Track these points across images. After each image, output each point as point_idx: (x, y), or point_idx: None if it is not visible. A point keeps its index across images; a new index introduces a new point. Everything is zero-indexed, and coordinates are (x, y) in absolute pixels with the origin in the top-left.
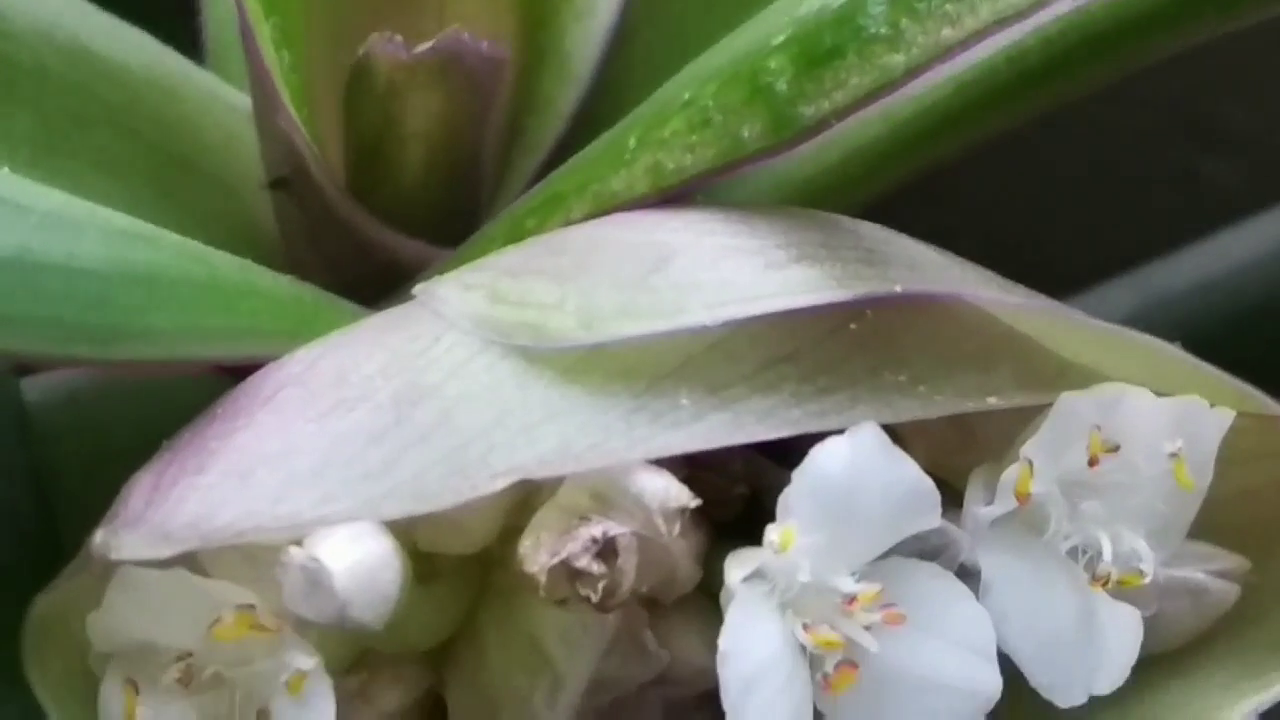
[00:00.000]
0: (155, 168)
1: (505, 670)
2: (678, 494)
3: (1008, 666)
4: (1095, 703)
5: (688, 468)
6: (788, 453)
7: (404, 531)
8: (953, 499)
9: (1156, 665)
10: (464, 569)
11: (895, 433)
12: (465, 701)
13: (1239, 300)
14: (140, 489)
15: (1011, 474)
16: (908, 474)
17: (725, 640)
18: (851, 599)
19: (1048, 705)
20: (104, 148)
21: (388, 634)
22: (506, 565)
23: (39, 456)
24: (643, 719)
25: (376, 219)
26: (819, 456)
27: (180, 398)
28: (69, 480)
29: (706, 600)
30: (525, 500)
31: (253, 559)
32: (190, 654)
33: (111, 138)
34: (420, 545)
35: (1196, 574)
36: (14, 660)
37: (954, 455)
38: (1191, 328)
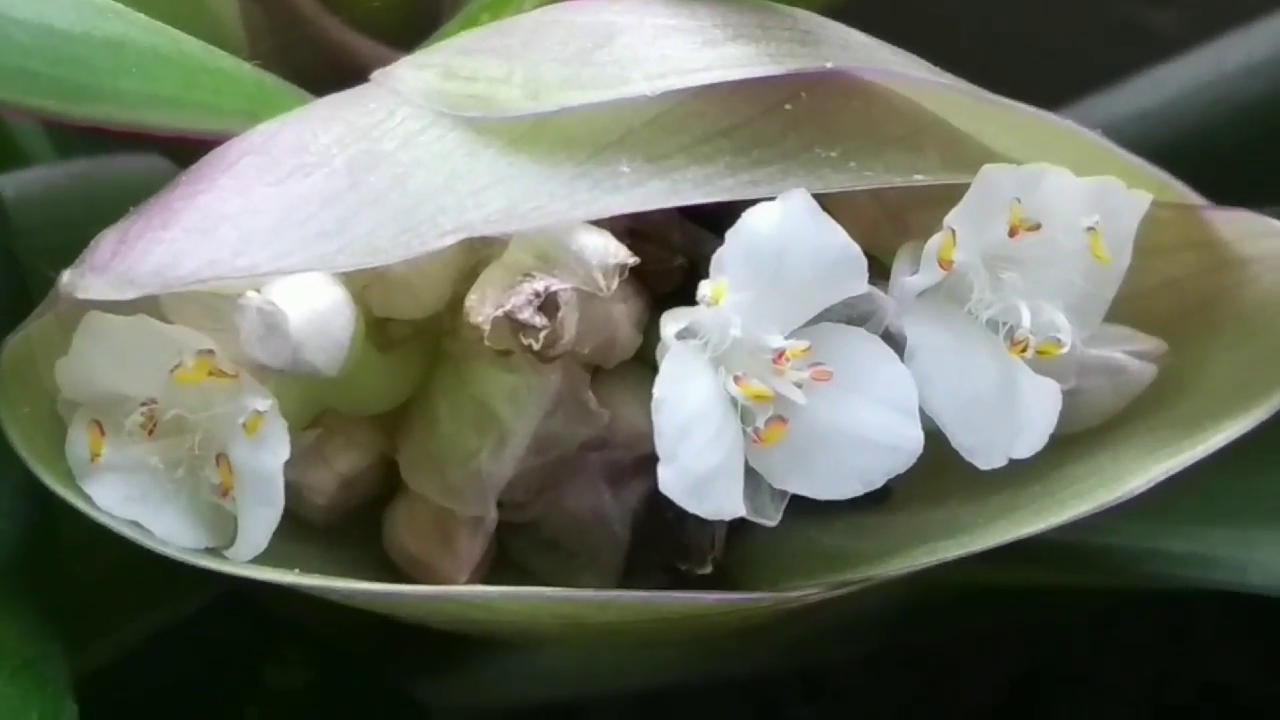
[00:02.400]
0: None
1: (454, 431)
2: (616, 251)
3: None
4: (1018, 471)
5: (629, 238)
6: (725, 228)
7: (359, 297)
8: (880, 275)
9: (1076, 441)
10: (417, 338)
11: (827, 211)
12: (416, 463)
13: (1174, 128)
14: (107, 242)
15: (935, 242)
16: (836, 239)
17: (660, 389)
18: (780, 354)
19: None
20: None
21: (344, 392)
22: (456, 334)
23: (14, 249)
24: (583, 481)
25: (340, 21)
26: (751, 217)
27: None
28: (42, 273)
29: (645, 369)
30: (473, 269)
31: (212, 311)
32: (153, 400)
33: None
34: (375, 310)
35: (1115, 354)
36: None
37: (884, 238)
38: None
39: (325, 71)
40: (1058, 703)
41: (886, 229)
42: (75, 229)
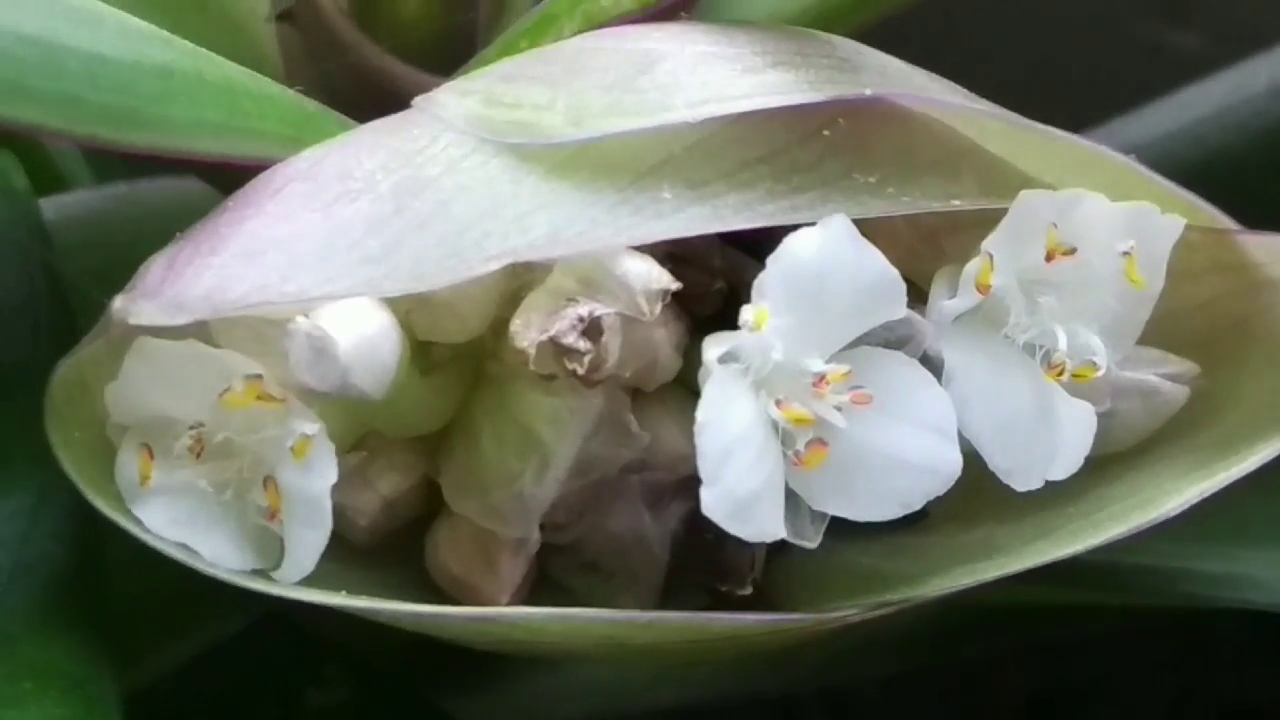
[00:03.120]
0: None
1: (497, 454)
2: (659, 276)
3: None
4: (1054, 493)
5: (670, 263)
6: (765, 253)
7: (403, 321)
8: (918, 299)
9: (1111, 463)
10: (459, 360)
11: (864, 237)
12: (458, 485)
13: (1200, 149)
14: (156, 268)
15: (973, 267)
16: (875, 263)
17: (703, 413)
18: (821, 378)
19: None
20: None
21: (387, 415)
22: (499, 357)
23: (58, 270)
24: (623, 503)
25: (379, 47)
26: (792, 243)
27: (193, 219)
28: (84, 296)
29: (685, 393)
30: (516, 293)
31: (261, 336)
32: (201, 424)
33: None
34: (418, 334)
35: (1149, 376)
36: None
37: (920, 262)
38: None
39: (362, 97)
40: (1078, 718)
41: (923, 252)
42: (115, 250)
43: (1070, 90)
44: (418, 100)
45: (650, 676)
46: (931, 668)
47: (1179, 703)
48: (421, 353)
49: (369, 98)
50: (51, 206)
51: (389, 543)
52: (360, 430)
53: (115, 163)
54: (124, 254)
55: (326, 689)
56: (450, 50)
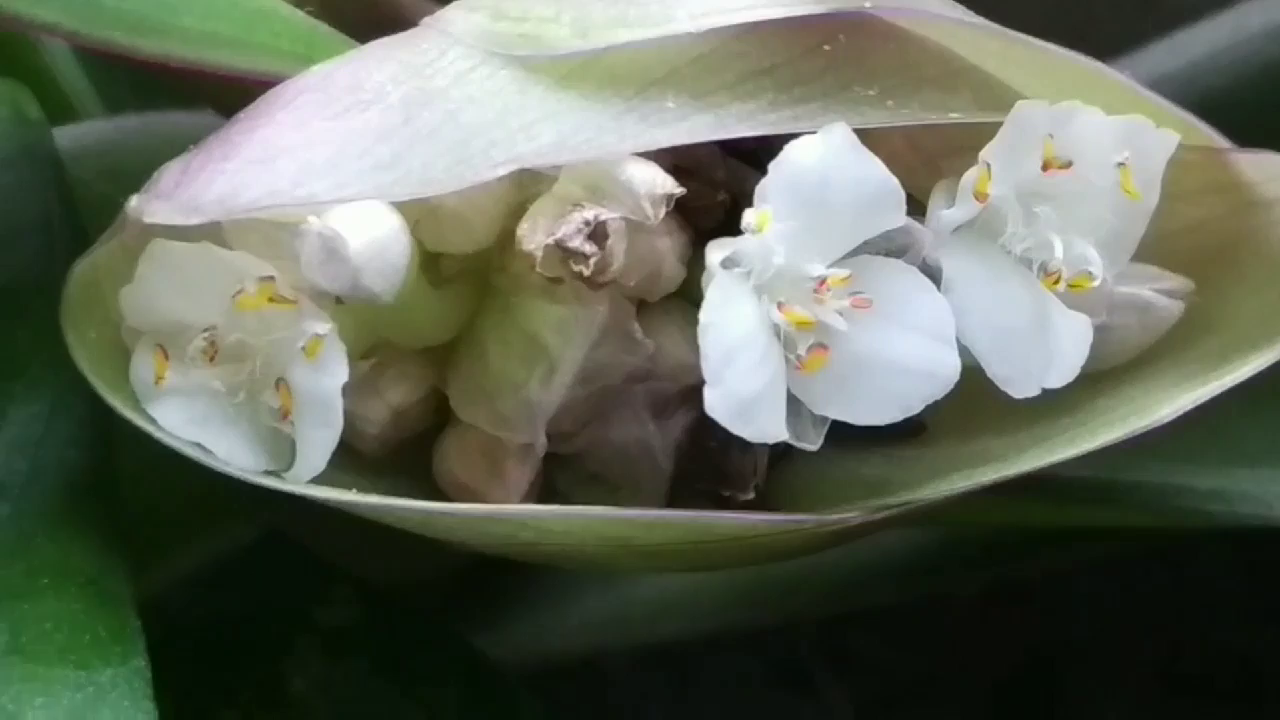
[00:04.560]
0: None
1: (504, 362)
2: (663, 182)
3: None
4: (1050, 405)
5: (674, 175)
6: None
7: (413, 232)
8: (917, 213)
9: (1106, 377)
10: (468, 274)
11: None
12: (466, 394)
13: (1196, 91)
14: (170, 174)
15: (971, 176)
16: (875, 172)
17: (706, 314)
18: (822, 282)
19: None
20: None
21: (397, 324)
22: (505, 269)
23: (73, 199)
24: (628, 412)
25: None
26: (794, 149)
27: None
28: (98, 220)
29: (689, 304)
30: (522, 206)
31: (272, 240)
32: (215, 326)
33: None
34: (428, 245)
35: (1144, 291)
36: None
37: (919, 180)
38: None
39: (369, 23)
40: (1073, 672)
41: (922, 173)
42: (129, 179)
43: (1064, 41)
44: (426, 19)
45: (655, 609)
46: (930, 619)
47: (1174, 654)
48: (431, 266)
49: (377, 25)
50: (65, 136)
51: (398, 454)
52: (371, 339)
53: (126, 97)
54: (137, 182)
55: (334, 609)
56: None
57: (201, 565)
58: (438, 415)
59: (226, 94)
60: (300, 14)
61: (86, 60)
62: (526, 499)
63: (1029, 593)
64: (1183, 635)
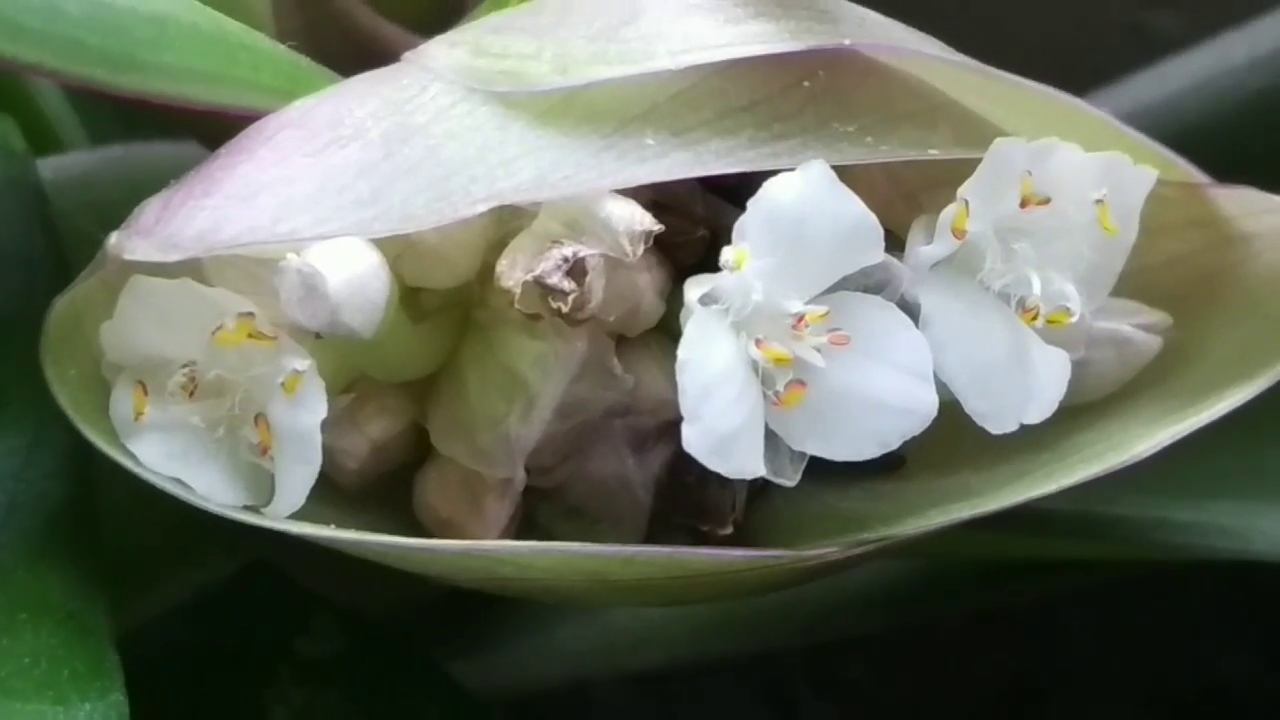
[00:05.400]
0: None
1: (483, 396)
2: (642, 219)
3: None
4: (1028, 440)
5: (653, 210)
6: (746, 203)
7: (393, 266)
8: (896, 249)
9: (1084, 412)
10: (448, 308)
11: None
12: (446, 428)
13: (1178, 122)
14: (151, 209)
15: (949, 213)
16: (854, 208)
17: (684, 351)
18: (800, 319)
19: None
20: None
21: (377, 359)
22: (485, 303)
23: (57, 230)
24: (606, 446)
25: (369, 8)
26: (772, 186)
27: None
28: (81, 252)
29: (668, 339)
30: (502, 241)
31: (252, 276)
32: (194, 362)
33: None
34: (408, 280)
35: (1122, 326)
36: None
37: (898, 214)
38: None
39: (352, 57)
40: (1057, 699)
41: (901, 208)
42: (112, 209)
43: (1048, 72)
44: (408, 54)
45: (637, 637)
46: (918, 644)
47: (1161, 681)
48: (411, 300)
49: (359, 59)
50: (48, 167)
51: (378, 488)
52: (351, 374)
53: (111, 127)
54: (121, 213)
55: (315, 639)
56: (439, 12)
57: (181, 596)
58: (418, 448)
59: (210, 125)
60: (282, 48)
61: (71, 91)
62: (506, 532)
63: (1014, 620)
64: (1167, 662)
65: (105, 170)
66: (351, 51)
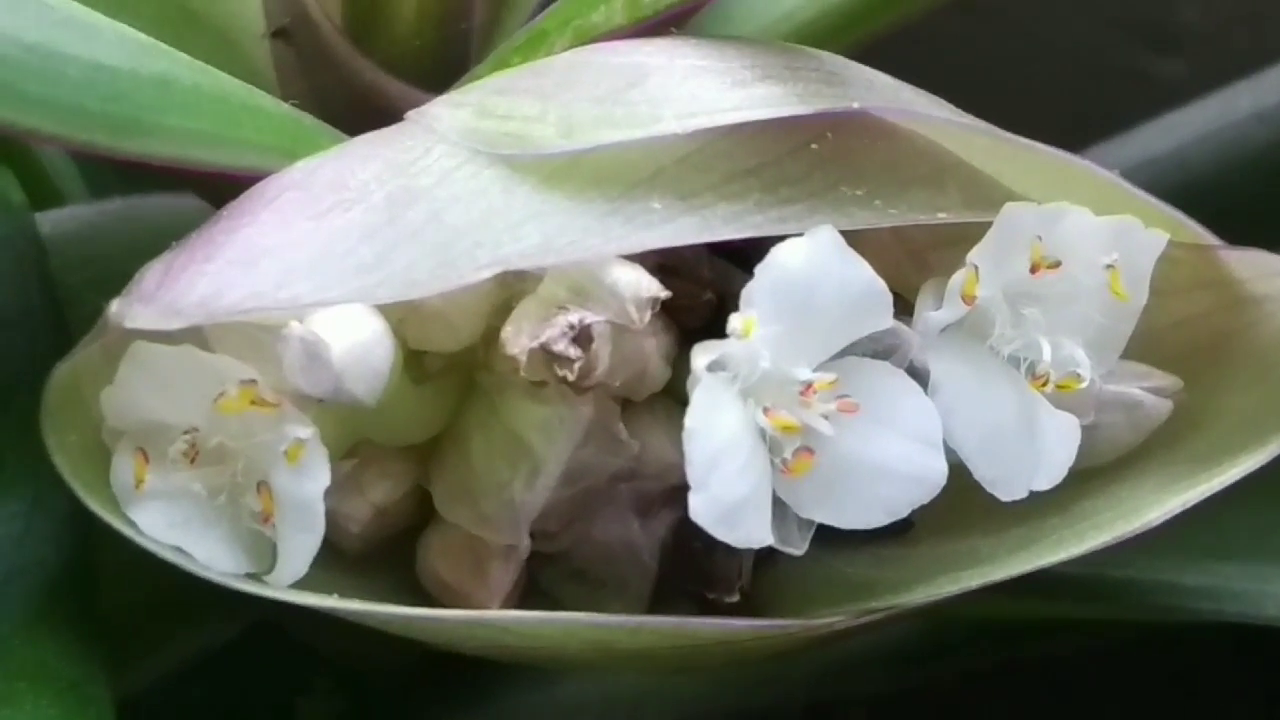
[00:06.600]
0: (160, 15)
1: (487, 462)
2: (649, 285)
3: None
4: (1037, 504)
5: (659, 274)
6: (753, 267)
7: (396, 330)
8: (904, 312)
9: (1094, 476)
10: (452, 371)
11: (853, 250)
12: (450, 493)
13: (1185, 173)
14: (152, 274)
15: (959, 278)
16: (862, 274)
17: (691, 419)
18: (808, 386)
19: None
20: None
21: (380, 423)
22: (490, 367)
23: (54, 284)
24: (612, 511)
25: (373, 64)
26: (780, 253)
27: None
28: (80, 308)
29: (674, 403)
30: (507, 304)
31: (254, 342)
32: (196, 429)
33: None
34: (411, 343)
35: (1132, 390)
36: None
37: (906, 276)
38: None
39: (356, 113)
40: None
41: (909, 268)
42: (112, 265)
43: (1055, 120)
44: (411, 113)
45: (639, 693)
46: (917, 693)
47: None
48: (414, 362)
49: (363, 115)
50: (47, 221)
51: (381, 551)
52: (353, 438)
53: (111, 179)
54: (120, 269)
55: (316, 699)
56: (443, 68)
57: (183, 658)
58: (421, 511)
59: (211, 181)
60: (285, 106)
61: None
62: (510, 598)
63: (1016, 676)
64: (1172, 715)
65: (105, 225)
66: (354, 108)
